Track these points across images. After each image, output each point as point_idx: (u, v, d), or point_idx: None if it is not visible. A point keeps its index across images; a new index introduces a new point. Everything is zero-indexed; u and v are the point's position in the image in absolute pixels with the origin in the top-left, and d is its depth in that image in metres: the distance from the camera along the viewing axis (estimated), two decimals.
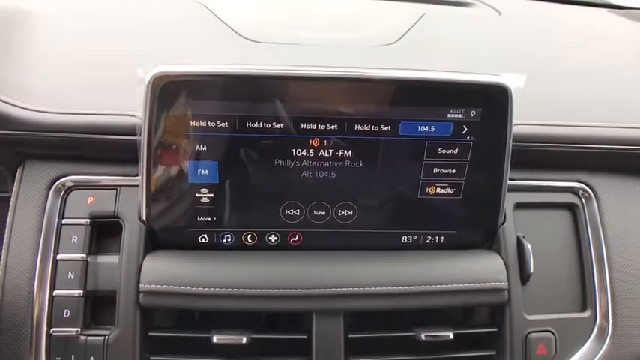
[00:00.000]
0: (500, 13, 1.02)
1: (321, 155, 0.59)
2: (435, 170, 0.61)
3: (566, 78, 0.77)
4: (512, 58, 0.81)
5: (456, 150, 0.60)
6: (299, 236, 0.64)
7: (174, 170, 0.59)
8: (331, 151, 0.59)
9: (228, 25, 0.80)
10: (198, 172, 0.59)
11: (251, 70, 0.55)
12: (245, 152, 0.58)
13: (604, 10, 1.16)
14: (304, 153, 0.59)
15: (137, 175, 0.62)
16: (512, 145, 0.60)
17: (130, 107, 0.62)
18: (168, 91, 0.55)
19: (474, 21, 0.98)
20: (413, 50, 0.81)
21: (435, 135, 0.59)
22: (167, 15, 0.84)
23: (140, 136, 0.58)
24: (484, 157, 0.60)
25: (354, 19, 0.94)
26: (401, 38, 0.83)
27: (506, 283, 0.62)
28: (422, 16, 0.92)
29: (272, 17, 0.89)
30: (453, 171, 0.61)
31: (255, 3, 0.97)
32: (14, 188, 0.63)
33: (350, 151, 0.59)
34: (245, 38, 0.78)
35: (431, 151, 0.60)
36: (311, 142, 0.58)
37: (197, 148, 0.58)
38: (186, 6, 0.85)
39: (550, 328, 0.64)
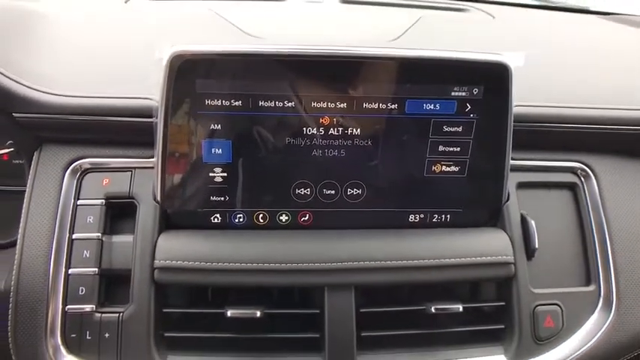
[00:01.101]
0: (493, 17, 1.07)
1: (331, 133, 0.61)
2: (441, 148, 0.63)
3: (562, 69, 0.81)
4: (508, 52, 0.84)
5: (460, 128, 0.62)
6: (309, 216, 0.65)
7: (189, 149, 0.61)
8: (340, 129, 0.61)
9: (236, 26, 0.83)
10: (213, 150, 0.61)
11: (264, 50, 0.57)
12: (258, 131, 0.61)
13: (591, 16, 1.22)
14: (315, 131, 0.61)
15: (151, 158, 0.64)
16: (514, 126, 0.63)
17: (145, 92, 0.64)
18: (185, 70, 0.57)
19: (469, 22, 1.02)
20: (412, 46, 0.84)
21: (440, 113, 0.61)
22: (179, 15, 0.87)
23: (156, 117, 0.60)
24: (487, 134, 0.63)
25: (355, 21, 0.98)
26: (401, 36, 0.87)
27: (513, 257, 0.64)
28: (419, 19, 0.96)
29: (277, 22, 0.93)
30: (458, 149, 0.63)
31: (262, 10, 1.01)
32: (31, 171, 0.65)
33: (358, 130, 0.61)
34: (252, 35, 0.81)
35: (436, 128, 0.62)
36: (321, 120, 0.61)
37: (212, 126, 0.60)
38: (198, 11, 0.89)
39: (557, 302, 0.66)
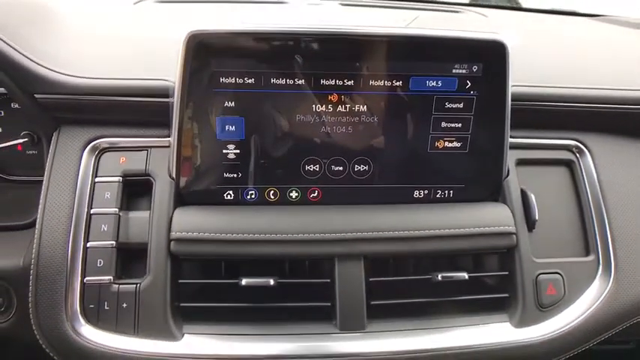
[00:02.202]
0: (486, 16, 1.12)
1: (339, 110, 0.64)
2: (443, 124, 0.66)
3: (556, 57, 0.85)
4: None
5: (461, 104, 0.65)
6: (318, 192, 0.68)
7: (203, 126, 0.64)
8: (348, 106, 0.64)
9: None
10: (226, 128, 0.64)
11: (276, 29, 0.61)
12: (269, 107, 0.64)
13: (580, 18, 1.27)
14: (324, 108, 0.64)
15: (167, 137, 0.67)
16: (513, 105, 0.67)
17: (161, 74, 0.67)
18: (201, 50, 0.60)
19: (463, 20, 1.07)
20: None
21: (442, 90, 0.65)
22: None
23: (172, 97, 0.63)
24: (487, 110, 0.66)
25: (354, 22, 1.02)
26: None
27: (514, 228, 0.67)
28: (416, 17, 1.01)
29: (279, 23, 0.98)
30: (459, 125, 0.66)
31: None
32: (50, 150, 0.67)
33: (365, 106, 0.65)
34: None
35: (439, 105, 0.65)
36: (330, 97, 0.64)
37: (225, 104, 0.63)
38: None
39: (558, 270, 0.68)
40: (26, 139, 0.81)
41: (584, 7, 1.33)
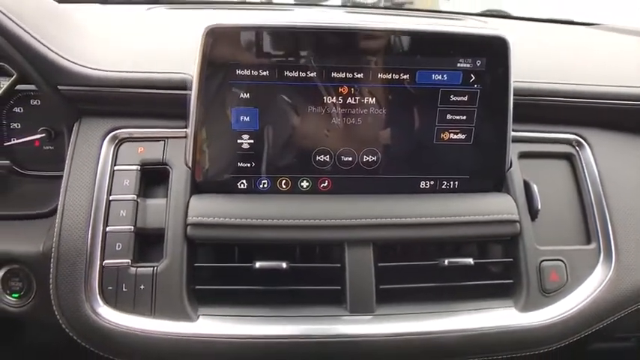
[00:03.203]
0: (486, 22, 1.16)
1: (349, 102, 0.67)
2: (448, 117, 0.69)
3: (557, 58, 0.89)
4: None
5: (466, 97, 0.68)
6: (328, 182, 0.71)
7: (219, 117, 0.66)
8: (358, 98, 0.67)
9: None
10: (241, 118, 0.67)
11: (290, 24, 0.64)
12: (282, 99, 0.66)
13: (577, 26, 1.32)
14: (334, 100, 0.67)
15: (183, 128, 0.70)
16: (515, 99, 0.70)
17: (179, 68, 0.70)
18: (218, 43, 0.63)
19: (464, 25, 1.11)
20: None
21: (447, 83, 0.68)
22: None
23: (189, 89, 0.66)
24: (490, 103, 0.69)
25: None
26: None
27: (518, 216, 0.69)
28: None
29: None
30: (464, 117, 0.69)
31: None
32: (71, 139, 0.70)
33: (374, 99, 0.68)
34: None
35: (444, 98, 0.68)
36: (340, 89, 0.67)
37: (241, 95, 0.66)
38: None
39: (560, 258, 0.71)
40: (43, 135, 0.83)
41: (579, 16, 1.39)
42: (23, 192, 0.83)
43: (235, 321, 0.64)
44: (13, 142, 0.82)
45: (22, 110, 0.82)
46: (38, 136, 0.83)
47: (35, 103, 0.82)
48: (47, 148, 0.85)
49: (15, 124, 0.82)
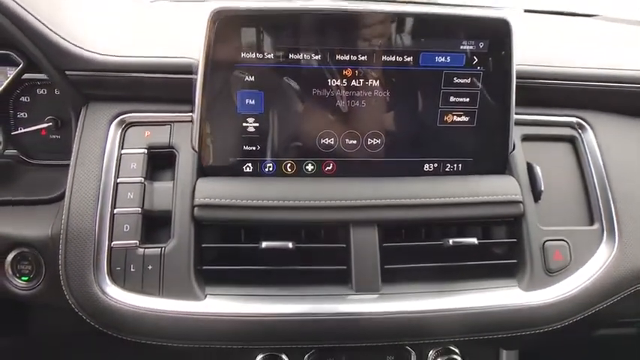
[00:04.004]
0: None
1: (353, 85, 0.68)
2: (452, 99, 0.70)
3: (560, 44, 0.89)
4: None
5: (469, 79, 0.69)
6: (333, 165, 0.71)
7: (225, 100, 0.67)
8: (362, 80, 0.68)
9: None
10: (246, 101, 0.68)
11: (295, 6, 0.65)
12: (287, 82, 0.67)
13: (579, 17, 1.33)
14: (338, 83, 0.68)
15: (189, 112, 0.70)
16: (518, 82, 0.70)
17: (184, 53, 0.71)
18: (224, 26, 0.64)
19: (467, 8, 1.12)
20: None
21: (451, 65, 0.68)
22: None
23: (195, 74, 0.67)
24: (493, 85, 0.70)
25: None
26: None
27: (521, 197, 0.70)
28: None
29: None
30: (467, 99, 0.70)
31: None
32: (79, 124, 0.71)
33: (378, 81, 0.68)
34: None
35: (447, 80, 0.69)
36: (344, 72, 0.68)
37: (246, 78, 0.66)
38: None
39: (564, 238, 0.71)
40: (50, 124, 0.84)
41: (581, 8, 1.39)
42: (31, 180, 0.83)
43: (242, 300, 0.64)
44: (20, 131, 0.83)
45: (28, 100, 0.83)
46: (45, 125, 0.84)
47: (42, 92, 0.83)
48: (54, 137, 0.85)
49: (22, 114, 0.83)
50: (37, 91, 0.83)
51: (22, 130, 0.83)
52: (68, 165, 0.69)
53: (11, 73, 0.78)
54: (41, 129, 0.84)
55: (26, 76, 0.79)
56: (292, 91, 0.68)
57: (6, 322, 0.85)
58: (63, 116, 0.82)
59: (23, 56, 0.74)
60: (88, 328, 0.64)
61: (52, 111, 0.83)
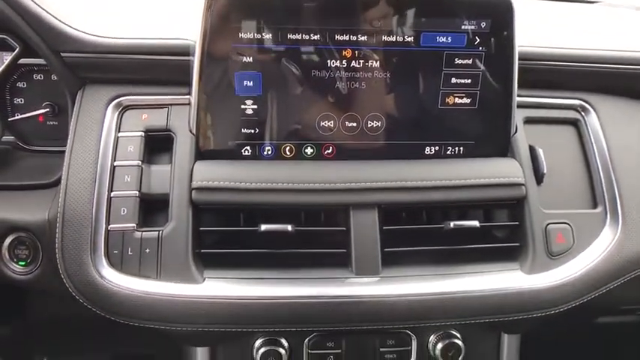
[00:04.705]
0: None
1: (353, 66, 0.67)
2: (453, 80, 0.69)
3: (562, 25, 0.89)
4: None
5: (470, 60, 0.68)
6: (332, 148, 0.70)
7: (223, 81, 0.66)
8: (362, 61, 0.67)
9: None
10: (244, 83, 0.66)
11: None
12: (286, 63, 0.66)
13: (579, 4, 1.32)
14: (338, 64, 0.67)
15: (187, 95, 0.69)
16: (520, 64, 0.69)
17: (182, 35, 0.70)
18: (221, 5, 0.63)
19: None
20: None
21: (452, 46, 0.67)
22: None
23: (192, 55, 0.66)
24: (495, 67, 0.69)
25: None
26: None
27: (523, 179, 0.69)
28: None
29: None
30: (469, 81, 0.69)
31: None
32: (75, 107, 0.70)
33: (378, 62, 0.67)
34: None
35: (449, 61, 0.68)
36: (344, 52, 0.66)
37: (244, 59, 0.65)
38: None
39: (566, 221, 0.70)
40: (47, 110, 0.83)
41: None
42: (29, 166, 0.83)
43: (241, 283, 0.64)
44: (17, 117, 0.83)
45: (25, 85, 0.82)
46: (42, 111, 0.83)
47: (39, 77, 0.82)
48: (51, 123, 0.85)
49: (19, 100, 0.82)
50: (34, 76, 0.82)
51: (19, 117, 0.83)
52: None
53: (7, 58, 0.77)
54: (38, 115, 0.84)
55: (22, 61, 0.78)
56: (291, 73, 0.67)
57: (4, 308, 0.85)
58: (60, 102, 0.81)
59: (19, 40, 0.73)
60: (86, 313, 0.64)
61: (49, 97, 0.82)
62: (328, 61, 0.66)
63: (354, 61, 0.67)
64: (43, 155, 0.84)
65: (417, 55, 0.67)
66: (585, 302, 0.70)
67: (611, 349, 1.16)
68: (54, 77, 0.80)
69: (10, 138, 0.83)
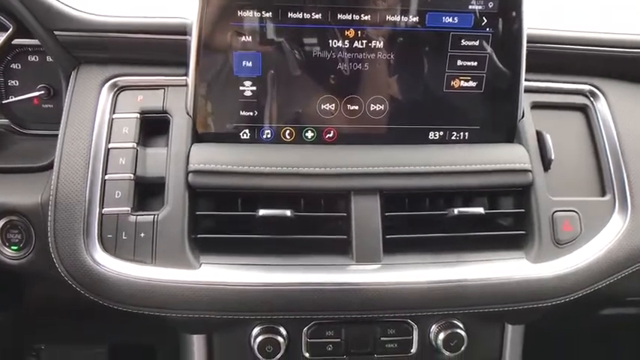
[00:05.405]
0: None
1: (356, 46, 0.65)
2: (459, 62, 0.66)
3: (571, 10, 0.86)
4: None
5: (477, 42, 0.66)
6: (334, 132, 0.68)
7: (220, 61, 0.64)
8: (365, 42, 0.65)
9: None
10: (243, 63, 0.64)
11: None
12: (286, 42, 0.64)
13: None
14: (340, 44, 0.64)
15: (184, 76, 0.67)
16: (529, 46, 0.67)
17: (179, 14, 0.68)
18: None
19: None
20: None
21: (458, 26, 0.65)
22: None
23: (189, 34, 0.64)
24: (502, 49, 0.66)
25: None
26: None
27: (530, 165, 0.67)
28: None
29: None
30: (475, 63, 0.67)
31: None
32: (69, 87, 0.68)
33: (381, 43, 0.65)
34: None
35: (454, 42, 0.65)
36: (346, 32, 0.64)
37: (243, 38, 0.63)
38: None
39: (574, 209, 0.68)
40: (42, 92, 0.81)
41: None
42: (23, 149, 0.81)
43: (238, 269, 0.62)
44: (11, 99, 0.81)
45: (19, 67, 0.81)
46: (37, 93, 0.81)
47: (33, 59, 0.80)
48: (46, 106, 0.83)
49: (13, 82, 0.80)
50: (29, 57, 0.80)
51: (14, 99, 0.81)
52: None
53: (0, 38, 0.75)
54: (33, 97, 0.82)
55: (17, 41, 0.76)
56: (291, 53, 0.64)
57: (0, 296, 0.83)
58: (55, 85, 0.79)
59: (12, 20, 0.72)
60: (82, 300, 0.62)
61: (44, 79, 0.80)
62: (330, 41, 0.64)
63: (356, 42, 0.64)
64: (38, 139, 0.82)
65: (421, 35, 0.65)
66: (591, 292, 0.68)
67: (614, 342, 1.14)
68: (49, 59, 0.78)
69: (5, 121, 0.81)
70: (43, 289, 0.76)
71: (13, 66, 0.80)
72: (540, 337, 0.89)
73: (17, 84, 0.81)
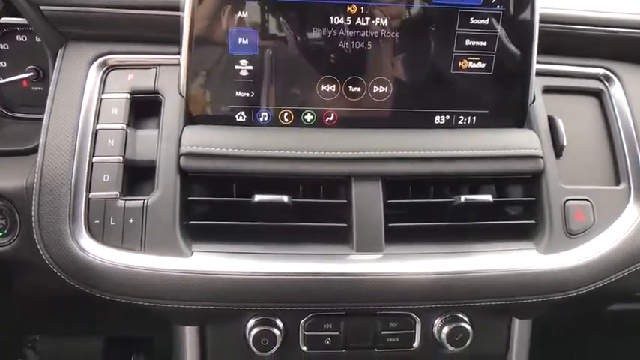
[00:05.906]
0: None
1: (358, 24, 0.61)
2: (467, 42, 0.63)
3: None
4: None
5: (487, 20, 0.62)
6: (334, 115, 0.65)
7: (215, 39, 0.61)
8: (368, 19, 0.61)
9: None
10: (239, 41, 0.61)
11: None
12: (284, 19, 0.60)
13: None
14: (342, 21, 0.61)
15: (176, 54, 0.64)
16: (541, 27, 0.63)
17: None
18: None
19: None
20: None
21: (467, 3, 0.61)
22: None
23: (182, 10, 0.60)
24: (513, 28, 0.63)
25: None
26: None
27: (541, 151, 0.64)
28: None
29: None
30: (484, 43, 0.63)
31: None
32: (56, 65, 0.65)
33: (386, 20, 0.61)
34: None
35: (463, 20, 0.62)
36: (349, 8, 0.61)
37: (238, 14, 0.60)
38: None
39: (587, 197, 0.65)
40: (31, 74, 0.78)
41: None
42: (11, 133, 0.78)
43: (232, 257, 0.59)
44: None
45: (7, 47, 0.78)
46: (26, 74, 0.78)
47: (22, 39, 0.77)
48: (36, 89, 0.80)
49: (1, 63, 0.77)
50: (17, 37, 0.77)
51: (2, 81, 0.78)
52: None
53: None
54: (22, 79, 0.79)
55: (4, 20, 0.73)
56: (290, 30, 0.61)
57: None
58: (45, 66, 0.76)
59: None
60: (70, 289, 0.59)
61: (33, 60, 0.77)
62: (331, 17, 0.61)
63: (359, 19, 0.61)
64: (27, 123, 0.79)
65: (428, 13, 0.61)
66: (602, 286, 0.65)
67: (620, 338, 1.11)
68: (38, 39, 0.75)
69: None
70: (32, 278, 0.73)
71: (1, 46, 0.77)
72: (546, 332, 0.86)
73: (5, 65, 0.78)
